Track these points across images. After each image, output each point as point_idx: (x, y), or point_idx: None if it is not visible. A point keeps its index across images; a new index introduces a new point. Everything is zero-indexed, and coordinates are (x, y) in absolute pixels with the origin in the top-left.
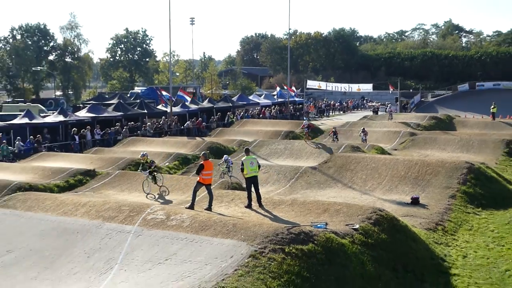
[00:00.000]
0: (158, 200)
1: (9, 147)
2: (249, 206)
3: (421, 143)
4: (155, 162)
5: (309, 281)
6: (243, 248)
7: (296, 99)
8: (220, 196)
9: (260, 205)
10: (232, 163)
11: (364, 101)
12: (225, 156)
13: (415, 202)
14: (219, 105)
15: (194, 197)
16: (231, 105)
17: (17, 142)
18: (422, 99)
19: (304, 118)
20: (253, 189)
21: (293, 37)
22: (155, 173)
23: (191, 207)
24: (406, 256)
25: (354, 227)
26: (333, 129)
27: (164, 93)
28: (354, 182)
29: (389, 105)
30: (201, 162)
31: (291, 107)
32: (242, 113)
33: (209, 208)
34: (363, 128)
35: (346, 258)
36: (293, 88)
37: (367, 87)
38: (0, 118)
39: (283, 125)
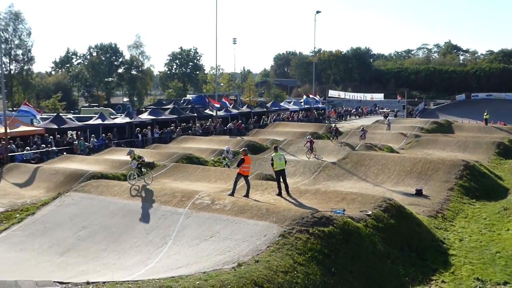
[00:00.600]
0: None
1: (86, 143)
2: (279, 194)
3: (424, 144)
4: (142, 158)
5: (329, 257)
6: (274, 228)
7: (320, 105)
8: (255, 186)
9: (288, 193)
10: (232, 156)
11: (376, 108)
12: (226, 147)
13: (419, 193)
14: (256, 110)
15: (235, 186)
16: (265, 110)
17: (92, 139)
18: (426, 107)
19: (329, 121)
20: (281, 180)
21: (317, 54)
22: (142, 167)
23: (232, 194)
24: (411, 238)
25: (367, 213)
26: (362, 128)
27: (216, 104)
28: (368, 175)
29: (388, 118)
30: (242, 157)
31: (315, 112)
32: (274, 117)
33: (246, 195)
34: (363, 127)
35: (360, 239)
36: (317, 96)
37: (379, 96)
38: (79, 119)
39: (309, 127)
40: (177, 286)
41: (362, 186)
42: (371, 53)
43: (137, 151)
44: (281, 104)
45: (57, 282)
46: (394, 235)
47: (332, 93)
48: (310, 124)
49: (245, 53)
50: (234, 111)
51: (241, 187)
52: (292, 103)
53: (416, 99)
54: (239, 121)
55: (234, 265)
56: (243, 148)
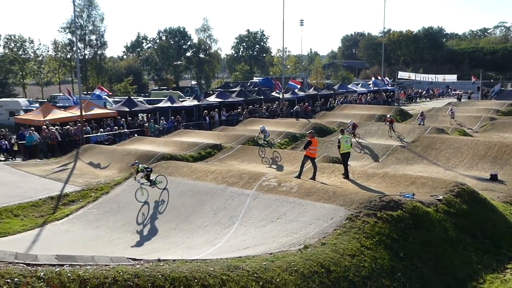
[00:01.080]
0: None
1: (156, 125)
2: (346, 177)
3: (500, 127)
4: (149, 168)
5: (397, 242)
6: (341, 211)
7: (389, 87)
8: (322, 168)
9: (346, 177)
10: (268, 134)
11: (449, 89)
12: (261, 126)
13: (493, 178)
14: (323, 92)
15: (302, 168)
16: (332, 92)
17: (161, 121)
18: (502, 88)
19: (398, 104)
20: None
21: (387, 35)
22: (149, 176)
23: (299, 176)
24: (485, 224)
25: (438, 198)
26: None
27: (295, 84)
28: (439, 159)
29: (450, 108)
30: (309, 139)
31: (384, 94)
32: (341, 99)
33: (313, 178)
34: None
35: (430, 224)
36: (386, 78)
37: (451, 78)
38: (149, 102)
39: (377, 110)
40: (244, 266)
41: (432, 170)
42: (444, 32)
43: (209, 134)
44: (349, 86)
45: (130, 258)
46: (466, 221)
47: (402, 74)
48: (379, 106)
49: (312, 35)
50: (301, 93)
51: (307, 170)
52: (360, 85)
53: (492, 80)
54: (306, 103)
55: (301, 247)
56: (309, 131)
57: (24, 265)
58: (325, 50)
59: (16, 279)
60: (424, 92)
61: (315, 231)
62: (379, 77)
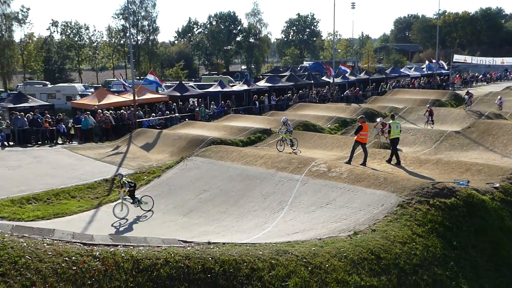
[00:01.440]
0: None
1: (206, 110)
2: (397, 163)
3: None
4: (132, 183)
5: (451, 230)
6: (392, 198)
7: (443, 71)
8: (373, 154)
9: (389, 161)
10: (292, 128)
11: (507, 73)
12: (283, 118)
13: None
14: (374, 76)
15: (352, 153)
16: (384, 76)
17: (212, 106)
18: None
19: (453, 88)
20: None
21: (442, 17)
22: (133, 192)
23: (349, 162)
24: None
25: (494, 186)
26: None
27: (345, 69)
28: (495, 146)
29: (499, 96)
30: (360, 124)
31: (438, 78)
32: (394, 84)
33: (363, 164)
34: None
35: (486, 212)
36: (441, 61)
37: (510, 61)
38: (199, 87)
39: (430, 94)
40: (293, 251)
41: (489, 157)
42: (503, 13)
43: (259, 118)
44: (401, 70)
45: (181, 240)
46: None
47: (457, 57)
48: (432, 91)
49: (363, 18)
50: (352, 78)
51: (358, 155)
52: (413, 69)
53: None
54: (357, 88)
55: (350, 233)
56: (360, 116)
57: (81, 245)
58: (377, 33)
59: (73, 257)
60: (481, 76)
61: (365, 217)
62: (433, 61)
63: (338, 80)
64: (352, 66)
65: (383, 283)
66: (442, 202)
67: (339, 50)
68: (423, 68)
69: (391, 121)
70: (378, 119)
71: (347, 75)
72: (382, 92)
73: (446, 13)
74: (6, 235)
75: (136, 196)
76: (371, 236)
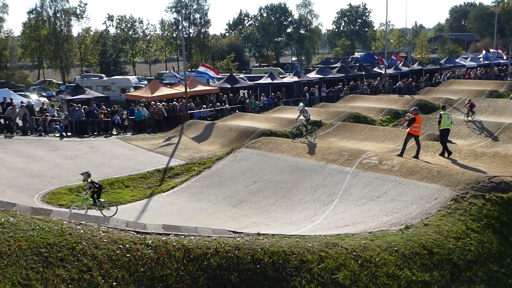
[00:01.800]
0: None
1: (256, 101)
2: (449, 154)
3: None
4: (97, 184)
5: (508, 226)
6: (446, 192)
7: (501, 61)
8: (426, 147)
9: (443, 154)
10: (309, 116)
11: None
12: (300, 105)
13: None
14: (428, 67)
15: (404, 146)
16: (438, 67)
17: (262, 98)
18: None
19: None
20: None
21: (501, 4)
22: (96, 195)
23: (401, 154)
24: None
25: None
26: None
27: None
28: None
29: (468, 99)
30: (413, 116)
31: (496, 68)
32: (448, 74)
33: (416, 156)
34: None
35: None
36: (499, 51)
37: None
38: (250, 79)
39: (487, 85)
40: (343, 244)
41: None
42: None
43: (309, 110)
44: (457, 60)
45: (231, 231)
46: None
47: None
48: (489, 81)
49: (417, 7)
50: (405, 68)
51: (410, 148)
52: (469, 59)
53: None
54: (410, 79)
55: (402, 227)
56: (413, 107)
57: (134, 233)
58: (431, 23)
59: (127, 245)
60: None
61: (417, 211)
62: (490, 50)
63: (390, 71)
64: (405, 57)
65: (435, 279)
66: (499, 196)
67: (392, 41)
68: (480, 58)
69: (442, 112)
70: (407, 114)
71: (399, 65)
72: (436, 83)
73: (505, 0)
74: (64, 222)
75: (100, 199)
76: (423, 230)
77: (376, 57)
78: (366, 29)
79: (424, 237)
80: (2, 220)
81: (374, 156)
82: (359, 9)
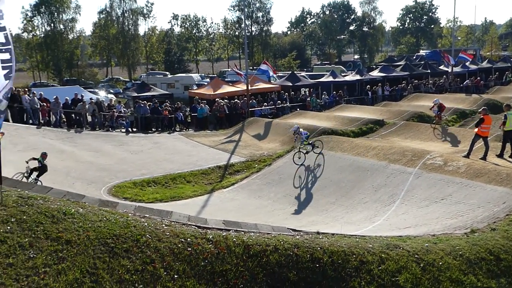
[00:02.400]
0: None
1: (317, 100)
2: (500, 155)
3: None
4: (44, 166)
5: None
6: None
7: None
8: (495, 148)
9: (501, 155)
10: (307, 134)
11: None
12: (294, 126)
13: None
14: (498, 65)
15: (472, 147)
16: (509, 65)
17: (323, 96)
18: None
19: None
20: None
21: None
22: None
23: (468, 155)
24: None
25: None
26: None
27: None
28: None
29: (435, 98)
30: (481, 116)
31: None
32: None
33: (483, 158)
34: (436, 100)
35: None
36: None
37: None
38: (311, 77)
39: None
40: (405, 246)
41: None
42: None
43: (371, 109)
44: None
45: (290, 229)
46: None
47: None
48: None
49: (487, 2)
50: (473, 66)
51: (478, 149)
52: None
53: None
54: (478, 77)
55: (467, 231)
56: (482, 107)
57: (196, 227)
58: (503, 19)
59: (189, 239)
60: None
61: (484, 215)
62: None
63: (457, 69)
64: (474, 54)
65: (502, 286)
66: None
67: (459, 38)
68: None
69: (507, 112)
70: (434, 100)
71: (467, 63)
72: (506, 82)
73: None
74: (130, 214)
75: (39, 179)
76: (490, 235)
77: (442, 55)
78: (432, 26)
79: (491, 242)
80: (73, 210)
81: (439, 157)
82: (425, 5)
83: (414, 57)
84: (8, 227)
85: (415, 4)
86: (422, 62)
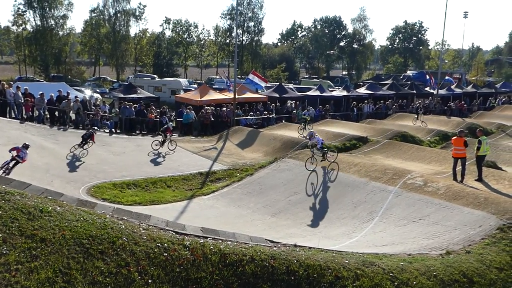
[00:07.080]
0: None
1: (303, 112)
2: (479, 179)
3: None
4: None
5: None
6: (492, 220)
7: None
8: (474, 171)
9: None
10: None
11: None
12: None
13: None
14: (482, 90)
15: (453, 170)
16: (493, 91)
17: (310, 110)
18: None
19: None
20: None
21: None
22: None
23: (454, 178)
24: None
25: None
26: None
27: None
28: None
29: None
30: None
31: None
32: (504, 99)
33: (461, 181)
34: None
35: None
36: None
37: None
38: (299, 90)
39: None
40: (380, 264)
41: None
42: None
43: (356, 125)
44: None
45: (268, 240)
46: None
47: None
48: None
49: (475, 28)
50: (457, 90)
51: (471, 171)
52: None
53: None
54: (462, 101)
55: (442, 252)
56: (460, 129)
57: (173, 233)
58: (489, 45)
59: (165, 244)
60: None
61: (460, 237)
62: None
63: (442, 91)
64: (459, 78)
65: None
66: None
67: (446, 61)
68: None
69: (480, 137)
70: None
71: (452, 87)
72: (489, 107)
73: None
74: (107, 216)
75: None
76: (464, 257)
77: (428, 76)
78: (420, 47)
79: (465, 264)
80: (50, 208)
81: (419, 177)
82: (415, 26)
83: (401, 77)
84: None
85: (405, 24)
86: (409, 83)
